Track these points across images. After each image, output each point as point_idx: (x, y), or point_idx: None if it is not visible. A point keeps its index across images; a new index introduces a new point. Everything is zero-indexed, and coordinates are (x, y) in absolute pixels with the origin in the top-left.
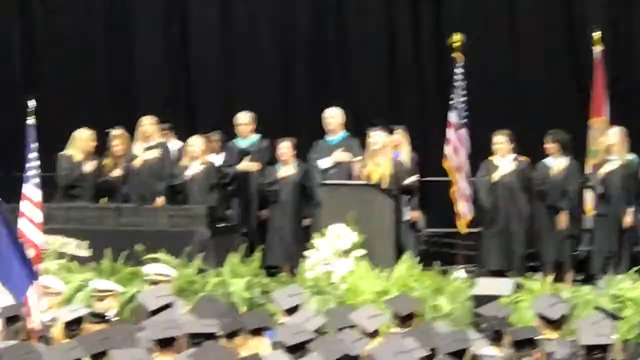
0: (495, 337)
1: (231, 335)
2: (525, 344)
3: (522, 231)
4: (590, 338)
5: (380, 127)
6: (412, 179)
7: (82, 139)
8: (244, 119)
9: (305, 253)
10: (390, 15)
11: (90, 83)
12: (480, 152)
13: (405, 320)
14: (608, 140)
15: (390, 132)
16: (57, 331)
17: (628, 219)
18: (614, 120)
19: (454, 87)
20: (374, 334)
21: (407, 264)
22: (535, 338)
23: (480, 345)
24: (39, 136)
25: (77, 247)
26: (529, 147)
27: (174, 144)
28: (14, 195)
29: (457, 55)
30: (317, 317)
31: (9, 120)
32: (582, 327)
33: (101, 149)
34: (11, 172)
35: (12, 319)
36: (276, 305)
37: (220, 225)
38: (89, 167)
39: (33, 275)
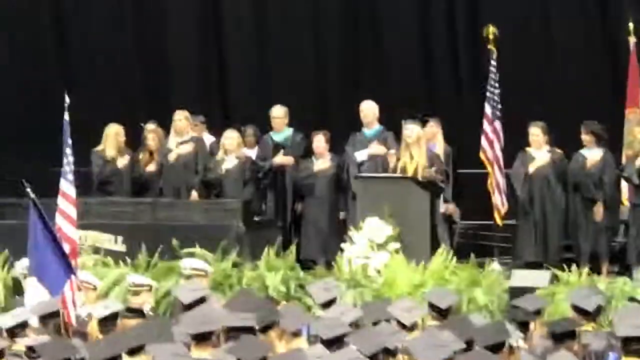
0: (523, 329)
1: (266, 328)
2: (564, 336)
3: (558, 223)
4: (628, 329)
5: (414, 119)
6: (431, 171)
7: (112, 135)
8: (278, 112)
9: (341, 246)
10: (424, 7)
11: (125, 78)
12: (515, 144)
13: (443, 313)
14: None
15: (425, 124)
16: (92, 327)
17: None
18: None
19: (489, 79)
20: (411, 327)
21: (443, 257)
22: (574, 330)
23: (517, 337)
24: (75, 132)
25: (113, 242)
26: (564, 139)
27: (207, 138)
28: (51, 191)
29: (491, 47)
30: (354, 311)
31: (46, 116)
32: (619, 318)
33: (136, 144)
34: (48, 167)
35: (48, 315)
36: (312, 298)
37: (255, 219)
38: (121, 162)
39: (70, 270)
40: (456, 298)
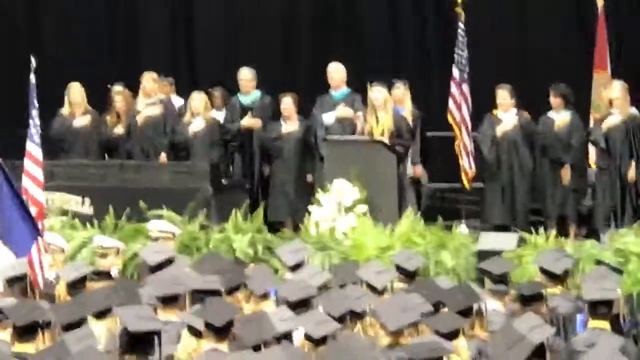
0: (499, 292)
1: (232, 290)
2: (532, 298)
3: (525, 185)
4: (595, 293)
5: (381, 82)
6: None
7: (69, 93)
8: (246, 74)
9: (309, 209)
10: None
11: (93, 39)
12: (483, 107)
13: (410, 275)
14: (611, 94)
15: (392, 87)
16: (60, 289)
17: (631, 173)
18: (617, 74)
19: (457, 42)
20: (382, 291)
21: (411, 220)
22: (541, 292)
23: (484, 300)
24: (42, 94)
25: (80, 204)
26: (532, 102)
27: (176, 100)
28: (17, 153)
29: (459, 10)
30: (322, 274)
31: (11, 78)
32: (587, 281)
33: (104, 105)
34: (14, 129)
35: (15, 278)
36: (281, 261)
37: (223, 182)
38: (80, 121)
39: (37, 232)
40: (423, 260)
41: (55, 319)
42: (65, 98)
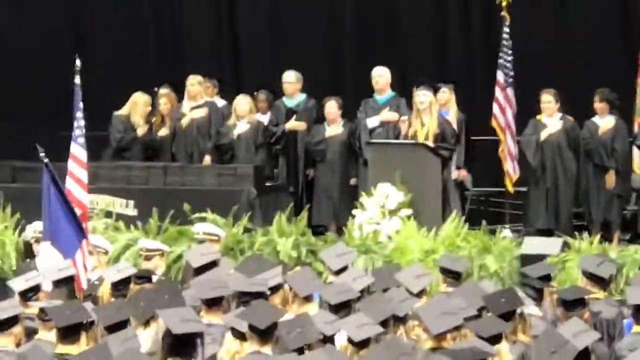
0: (537, 297)
1: (275, 289)
2: (575, 303)
3: (569, 190)
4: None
5: (426, 85)
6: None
7: (140, 103)
8: (290, 77)
9: (353, 212)
10: None
11: (138, 41)
12: (527, 112)
13: (456, 277)
14: None
15: (437, 90)
16: (104, 290)
17: None
18: None
19: (502, 46)
20: (420, 294)
21: (454, 223)
22: (584, 298)
23: (527, 304)
24: (87, 96)
25: (124, 207)
26: (576, 107)
27: (219, 102)
28: (62, 155)
29: (505, 14)
30: (365, 277)
31: (57, 80)
32: (632, 286)
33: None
34: (59, 131)
35: (63, 280)
36: (325, 265)
37: (267, 185)
38: (141, 130)
39: (82, 234)
40: (468, 263)
41: (98, 320)
42: (133, 106)
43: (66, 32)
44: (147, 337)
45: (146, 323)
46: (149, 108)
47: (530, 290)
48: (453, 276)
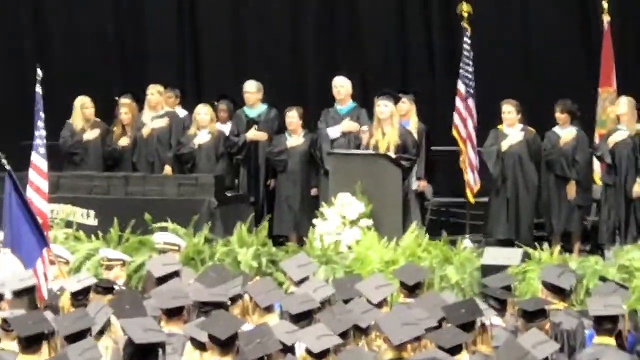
0: (500, 307)
1: (235, 299)
2: (536, 314)
3: (530, 200)
4: (600, 309)
5: (387, 96)
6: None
7: (77, 107)
8: (251, 87)
9: (313, 222)
10: None
11: (99, 50)
12: (488, 122)
13: (412, 290)
14: (617, 110)
15: (397, 101)
16: (65, 300)
17: (636, 189)
18: (623, 90)
19: (462, 56)
20: (380, 305)
21: (415, 234)
22: (545, 309)
23: (488, 315)
24: (48, 105)
25: (85, 216)
26: (537, 117)
27: (181, 112)
28: (23, 164)
29: (465, 24)
30: (326, 287)
31: (18, 90)
32: (592, 297)
33: (111, 117)
34: (20, 140)
35: (24, 290)
36: (287, 275)
37: (228, 194)
38: (90, 134)
39: (43, 242)
40: (425, 274)
41: (59, 330)
42: (75, 111)
43: (26, 40)
44: (106, 345)
45: (99, 333)
46: (89, 110)
47: (492, 300)
48: (408, 289)
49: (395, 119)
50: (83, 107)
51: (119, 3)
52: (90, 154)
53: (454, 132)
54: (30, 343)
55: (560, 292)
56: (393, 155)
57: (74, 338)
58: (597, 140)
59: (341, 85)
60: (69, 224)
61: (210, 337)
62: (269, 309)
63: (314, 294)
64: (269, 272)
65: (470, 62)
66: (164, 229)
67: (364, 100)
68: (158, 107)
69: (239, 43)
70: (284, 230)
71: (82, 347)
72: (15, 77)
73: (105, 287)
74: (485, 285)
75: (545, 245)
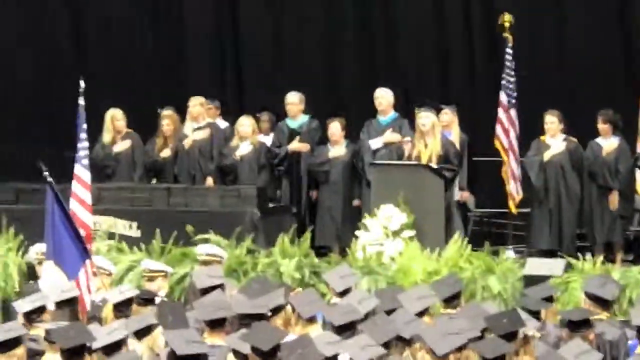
0: (535, 317)
1: (277, 310)
2: (580, 324)
3: (572, 211)
4: None
5: (428, 107)
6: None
7: (107, 119)
8: (293, 99)
9: (356, 233)
10: None
11: (141, 63)
12: (530, 133)
13: (449, 301)
14: None
15: (439, 112)
16: (107, 312)
17: None
18: None
19: (505, 67)
20: (420, 315)
21: (457, 245)
22: (588, 319)
23: (532, 326)
24: (90, 117)
25: (127, 228)
26: (580, 128)
27: (221, 124)
28: (66, 176)
29: (507, 35)
30: (371, 299)
31: (60, 101)
32: (636, 307)
33: (153, 129)
34: (63, 152)
35: (66, 302)
36: (329, 286)
37: (270, 206)
38: (120, 146)
39: (86, 255)
40: (461, 285)
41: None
42: (105, 123)
43: (70, 53)
44: (142, 351)
45: (140, 335)
46: (120, 122)
47: (527, 312)
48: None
49: (437, 130)
50: (114, 119)
51: (158, 14)
52: (122, 166)
53: (496, 143)
54: (72, 355)
55: (603, 303)
56: (435, 166)
57: (111, 349)
58: (639, 150)
59: (382, 97)
60: (111, 236)
61: (253, 348)
62: (311, 320)
63: (359, 305)
64: (312, 283)
65: (513, 73)
66: (207, 241)
67: (406, 112)
68: (199, 119)
69: (281, 54)
70: (327, 241)
71: (124, 358)
72: (57, 89)
73: (146, 299)
74: (524, 295)
75: (588, 255)
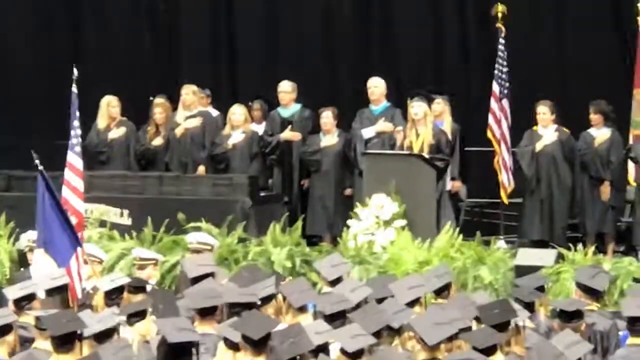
0: (527, 309)
1: (268, 299)
2: (572, 315)
3: (564, 202)
4: (635, 309)
5: (420, 97)
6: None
7: (103, 105)
8: (286, 87)
9: (347, 222)
10: None
11: (134, 51)
12: (522, 123)
13: (440, 292)
14: None
15: (431, 102)
16: (98, 300)
17: None
18: None
19: (497, 57)
20: (412, 304)
21: (449, 234)
22: (580, 309)
23: (522, 316)
24: (83, 106)
25: (119, 216)
26: (572, 118)
27: (212, 112)
28: (58, 163)
29: (500, 25)
30: (363, 288)
31: (52, 89)
32: (627, 298)
33: (145, 117)
34: (55, 140)
35: (56, 289)
36: (321, 275)
37: (262, 195)
38: (115, 133)
39: (77, 243)
40: (451, 276)
41: (89, 327)
42: (100, 110)
43: (63, 41)
44: (134, 337)
45: (132, 321)
46: (115, 108)
47: (519, 302)
48: (436, 291)
49: (429, 119)
50: (109, 105)
51: (153, 4)
52: (116, 153)
53: (489, 133)
54: (63, 342)
55: (594, 293)
56: (427, 156)
57: (102, 337)
58: (631, 141)
59: (375, 86)
60: (102, 224)
61: (244, 337)
62: (302, 309)
63: (351, 294)
64: (303, 272)
65: (505, 63)
66: (198, 229)
67: (399, 101)
68: (192, 107)
69: (274, 43)
70: (318, 230)
71: (116, 346)
72: (50, 77)
73: (137, 287)
74: (516, 286)
75: (579, 246)
